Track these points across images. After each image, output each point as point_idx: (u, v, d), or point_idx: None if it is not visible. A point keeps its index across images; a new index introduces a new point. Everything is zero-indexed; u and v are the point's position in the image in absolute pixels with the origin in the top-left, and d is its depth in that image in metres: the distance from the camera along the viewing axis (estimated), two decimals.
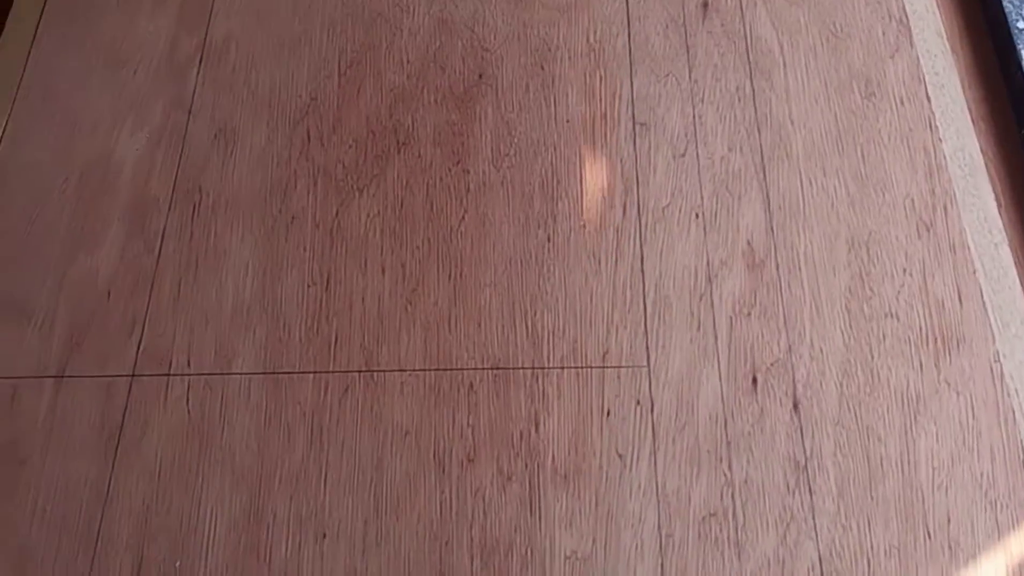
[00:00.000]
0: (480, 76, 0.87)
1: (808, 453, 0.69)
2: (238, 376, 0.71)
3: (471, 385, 0.71)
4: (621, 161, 0.82)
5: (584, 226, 0.79)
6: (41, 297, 0.75)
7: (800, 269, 0.77)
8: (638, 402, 0.71)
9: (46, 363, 0.72)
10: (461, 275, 0.76)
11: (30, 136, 0.83)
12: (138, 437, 0.69)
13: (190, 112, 0.85)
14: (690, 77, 0.87)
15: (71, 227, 0.78)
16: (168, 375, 0.71)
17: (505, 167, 0.82)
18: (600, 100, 0.86)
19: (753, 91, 0.86)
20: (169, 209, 0.79)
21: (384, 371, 0.72)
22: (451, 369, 0.72)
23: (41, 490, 0.67)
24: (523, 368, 0.72)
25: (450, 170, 0.82)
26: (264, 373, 0.72)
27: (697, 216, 0.79)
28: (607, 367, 0.72)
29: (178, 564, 0.64)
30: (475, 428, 0.69)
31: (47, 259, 0.76)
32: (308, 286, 0.76)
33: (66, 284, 0.75)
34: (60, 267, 0.76)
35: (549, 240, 0.78)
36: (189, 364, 0.72)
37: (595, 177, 0.81)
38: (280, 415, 0.70)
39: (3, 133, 0.83)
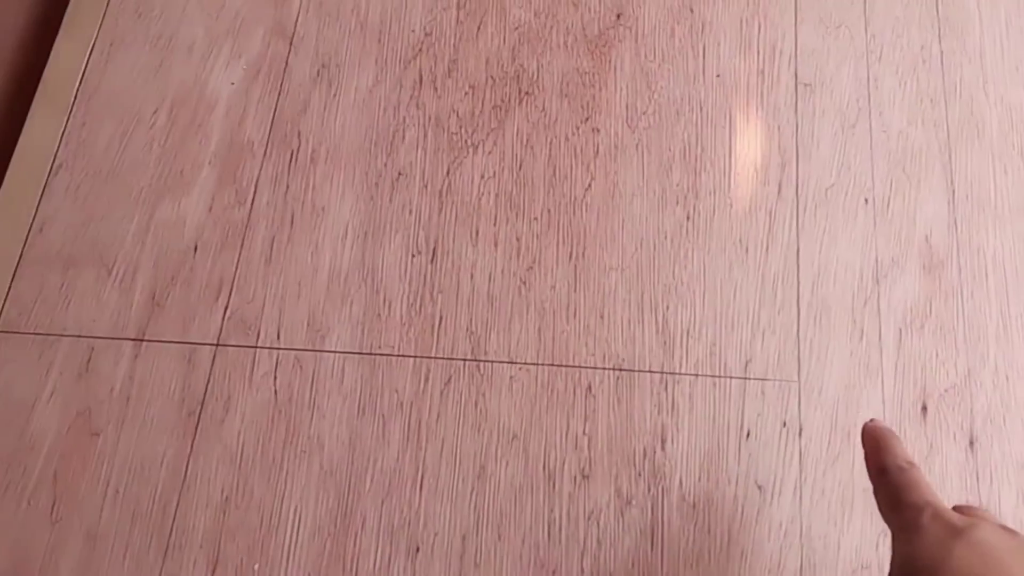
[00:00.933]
0: (618, 16, 0.76)
1: (984, 502, 0.58)
2: (331, 354, 0.64)
3: (589, 387, 0.62)
4: (779, 129, 0.70)
5: (731, 205, 0.68)
6: (124, 245, 0.68)
7: (987, 276, 0.65)
8: (784, 424, 0.61)
9: (125, 322, 0.65)
10: (584, 255, 0.67)
11: (121, 54, 0.75)
12: (220, 416, 0.62)
13: (292, 42, 0.76)
14: (866, 31, 0.74)
15: (159, 166, 0.71)
16: (255, 347, 0.64)
17: (641, 128, 0.71)
18: (758, 53, 0.73)
19: (941, 53, 0.73)
20: (264, 156, 0.71)
21: (492, 362, 0.63)
22: (568, 366, 0.63)
23: (115, 468, 0.61)
24: (651, 371, 0.63)
25: (577, 128, 0.71)
26: (360, 353, 0.64)
27: (866, 201, 0.67)
28: (749, 379, 0.62)
29: (256, 567, 0.58)
30: (592, 439, 0.61)
31: (133, 201, 0.69)
32: (412, 256, 0.67)
33: (151, 232, 0.68)
34: (146, 212, 0.69)
35: (688, 219, 0.67)
36: (279, 337, 0.65)
37: (747, 146, 0.70)
38: (375, 404, 0.62)
39: (92, 48, 0.76)
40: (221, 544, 0.59)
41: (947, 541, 0.37)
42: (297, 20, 0.77)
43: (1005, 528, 0.39)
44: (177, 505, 0.60)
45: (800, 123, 0.70)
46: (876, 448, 0.44)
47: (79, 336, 0.65)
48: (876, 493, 0.43)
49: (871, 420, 0.47)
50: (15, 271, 0.68)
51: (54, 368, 0.64)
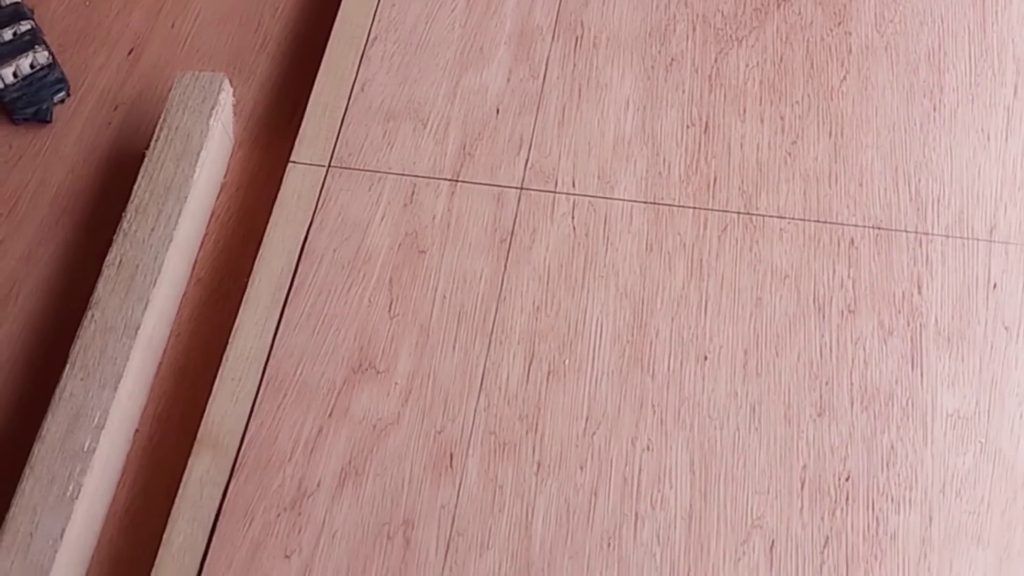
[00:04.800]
0: None
1: None
2: (620, 202, 0.74)
3: (852, 240, 0.72)
4: (1012, 42, 0.79)
5: (972, 100, 0.77)
6: (436, 105, 0.79)
7: None
8: None
9: (441, 166, 0.77)
10: (842, 134, 0.76)
11: None
12: (528, 244, 0.73)
13: None
14: None
15: (460, 44, 0.82)
16: (554, 192, 0.75)
17: (889, 33, 0.80)
18: None
19: None
20: (552, 39, 0.82)
21: (763, 215, 0.73)
22: (831, 223, 0.72)
23: (440, 279, 0.72)
24: (906, 231, 0.72)
25: (831, 30, 0.81)
26: (645, 202, 0.74)
27: None
28: (994, 242, 0.71)
29: (566, 363, 0.68)
30: (856, 281, 0.70)
31: (440, 70, 0.81)
32: (687, 127, 0.77)
33: (458, 96, 0.79)
34: (452, 79, 0.80)
35: (935, 110, 0.77)
36: (574, 185, 0.75)
37: (984, 54, 0.79)
38: (661, 243, 0.73)
39: None
40: (535, 343, 0.69)
41: None
42: None
43: None
44: (496, 311, 0.70)
45: None
46: None
47: (402, 174, 0.76)
48: None
49: None
50: (342, 120, 0.79)
51: (383, 198, 0.75)
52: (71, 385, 0.68)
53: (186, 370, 0.73)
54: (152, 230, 0.73)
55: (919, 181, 0.74)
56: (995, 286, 0.69)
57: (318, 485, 0.65)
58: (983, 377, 0.66)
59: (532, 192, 0.75)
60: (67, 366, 0.68)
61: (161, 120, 0.77)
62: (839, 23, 0.81)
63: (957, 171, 0.74)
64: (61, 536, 0.62)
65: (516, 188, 0.75)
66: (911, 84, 0.78)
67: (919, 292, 0.69)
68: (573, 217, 0.74)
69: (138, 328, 0.70)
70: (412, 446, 0.66)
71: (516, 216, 0.74)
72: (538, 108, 0.79)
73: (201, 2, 0.91)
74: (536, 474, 0.65)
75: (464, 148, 0.77)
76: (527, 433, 0.66)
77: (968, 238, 0.71)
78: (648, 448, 0.65)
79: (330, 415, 0.67)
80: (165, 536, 0.63)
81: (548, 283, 0.71)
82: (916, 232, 0.72)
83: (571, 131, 0.78)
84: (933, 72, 0.78)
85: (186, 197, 0.74)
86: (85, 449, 0.66)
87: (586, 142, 0.77)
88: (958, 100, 0.77)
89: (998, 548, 0.62)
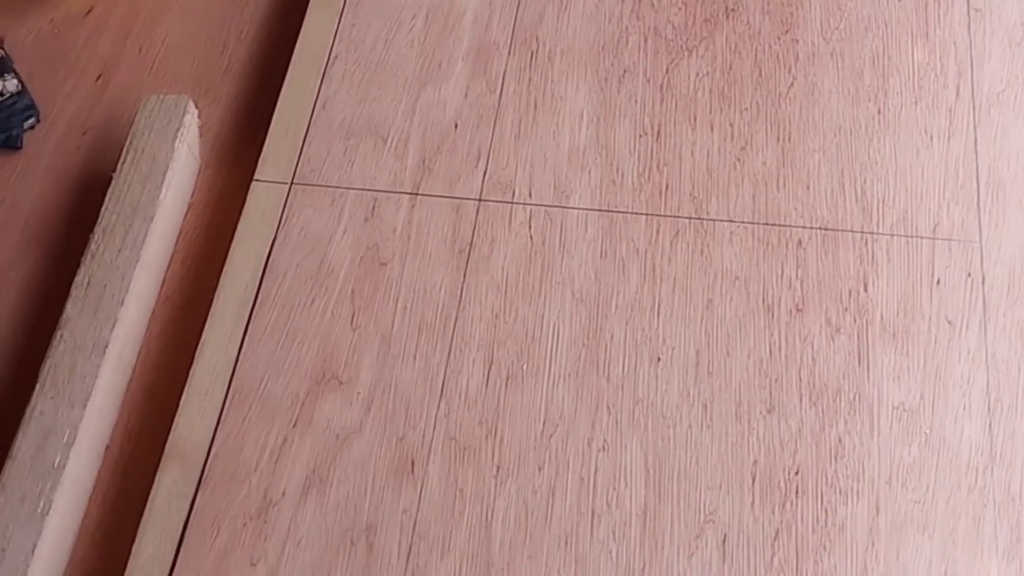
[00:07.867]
0: None
1: None
2: (575, 210, 0.76)
3: (799, 242, 0.74)
4: (955, 44, 0.82)
5: (916, 103, 0.79)
6: (396, 121, 0.81)
7: None
8: (969, 274, 0.72)
9: (401, 180, 0.79)
10: (790, 139, 0.78)
11: None
12: (486, 254, 0.75)
13: None
14: None
15: (419, 61, 0.84)
16: (512, 203, 0.77)
17: (835, 40, 0.83)
18: None
19: None
20: (509, 55, 0.84)
21: (714, 220, 0.75)
22: (780, 225, 0.75)
23: (402, 290, 0.74)
24: (852, 231, 0.74)
25: (779, 38, 0.83)
26: (600, 210, 0.76)
27: None
28: (938, 239, 0.73)
29: (524, 368, 0.70)
30: (803, 281, 0.72)
31: (399, 87, 0.83)
32: (639, 136, 0.79)
33: (417, 111, 0.82)
34: (411, 95, 0.82)
35: (880, 113, 0.79)
36: (530, 195, 0.77)
37: (927, 57, 0.81)
38: (615, 249, 0.74)
39: None
40: (494, 350, 0.71)
41: None
42: None
43: None
44: (456, 319, 0.72)
45: (972, 41, 0.82)
46: None
47: (363, 190, 0.78)
48: None
49: None
50: (304, 138, 0.81)
51: (344, 213, 0.77)
52: (41, 404, 0.69)
53: (155, 386, 0.75)
54: (119, 251, 0.75)
55: (864, 182, 0.76)
56: (939, 282, 0.71)
57: (283, 494, 0.67)
58: (927, 371, 0.68)
59: (490, 203, 0.77)
60: (37, 385, 0.70)
61: (127, 143, 0.79)
62: (786, 31, 0.83)
63: (901, 172, 0.76)
64: (33, 552, 0.64)
65: (475, 200, 0.77)
66: (856, 88, 0.80)
67: (865, 290, 0.72)
68: (530, 227, 0.76)
69: (106, 347, 0.71)
70: (374, 454, 0.68)
71: (475, 227, 0.76)
72: (495, 122, 0.81)
73: (167, 27, 0.92)
74: (495, 477, 0.67)
75: (423, 162, 0.79)
76: (486, 437, 0.68)
77: (912, 236, 0.73)
78: (604, 448, 0.67)
79: (294, 425, 0.69)
80: (134, 549, 0.65)
81: (506, 291, 0.73)
82: (862, 232, 0.74)
83: (527, 143, 0.80)
84: (877, 76, 0.80)
85: (152, 217, 0.76)
86: (56, 466, 0.67)
87: (542, 153, 0.79)
88: (902, 103, 0.79)
89: (943, 535, 0.63)
